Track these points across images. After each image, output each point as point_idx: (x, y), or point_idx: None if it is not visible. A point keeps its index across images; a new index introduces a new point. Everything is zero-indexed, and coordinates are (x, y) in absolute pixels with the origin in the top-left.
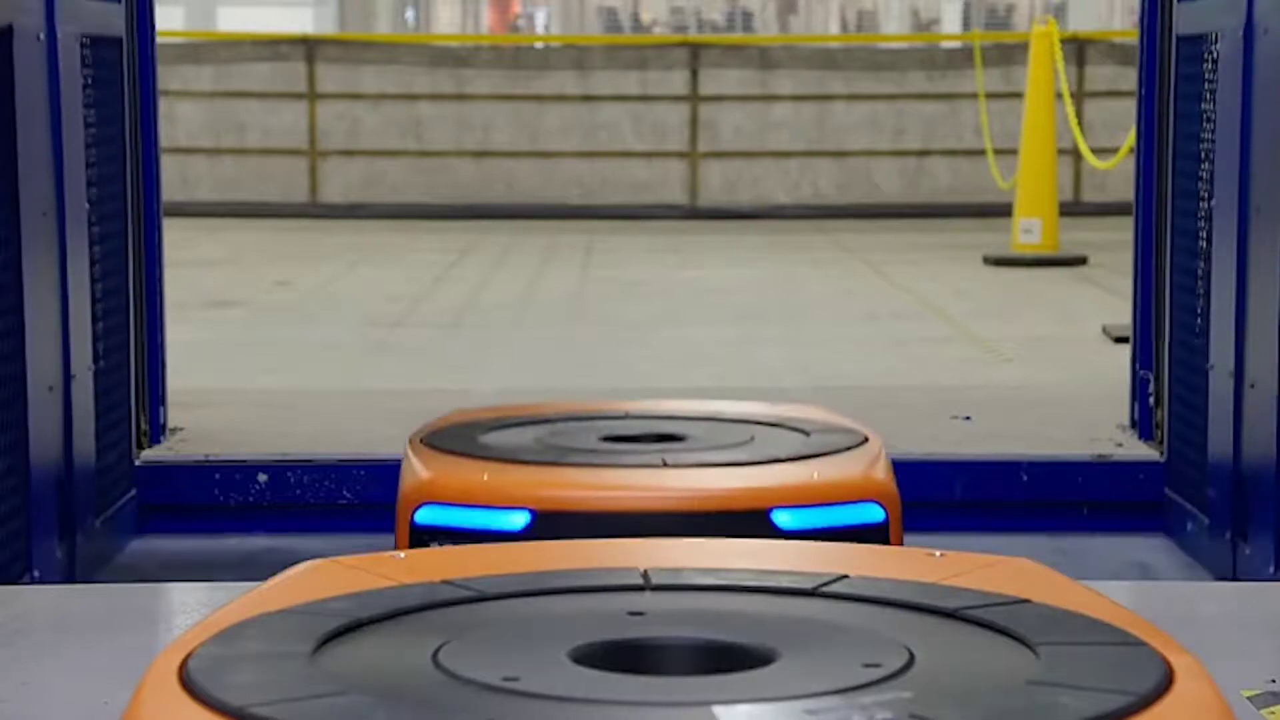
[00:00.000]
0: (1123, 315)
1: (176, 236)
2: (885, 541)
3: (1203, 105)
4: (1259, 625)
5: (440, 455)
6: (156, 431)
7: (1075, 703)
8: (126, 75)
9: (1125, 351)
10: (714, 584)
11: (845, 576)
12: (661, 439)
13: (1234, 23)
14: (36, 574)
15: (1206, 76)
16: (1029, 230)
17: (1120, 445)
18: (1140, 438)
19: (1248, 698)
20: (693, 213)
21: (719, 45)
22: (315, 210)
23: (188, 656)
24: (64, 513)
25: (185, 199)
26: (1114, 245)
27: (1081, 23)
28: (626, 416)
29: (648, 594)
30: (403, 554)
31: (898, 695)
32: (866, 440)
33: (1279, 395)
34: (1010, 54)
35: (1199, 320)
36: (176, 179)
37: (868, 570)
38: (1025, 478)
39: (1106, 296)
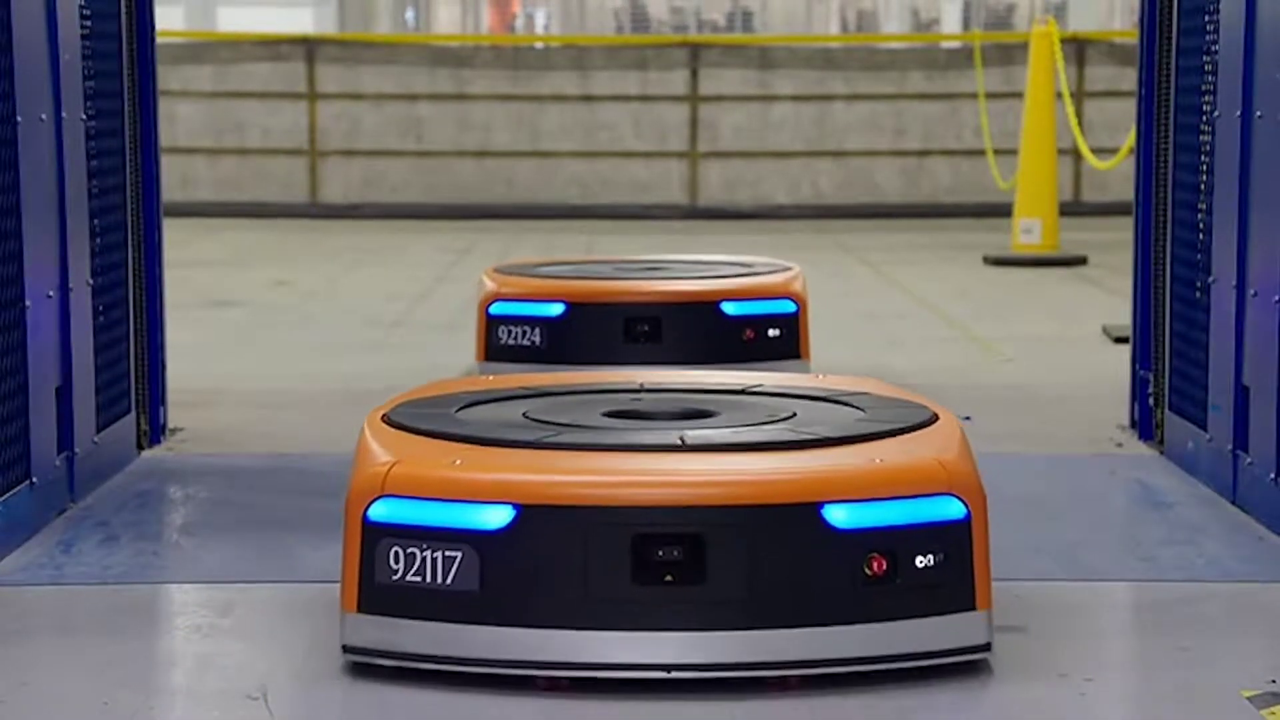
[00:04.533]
0: (1123, 315)
1: (176, 236)
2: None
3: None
4: (1259, 625)
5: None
6: (156, 431)
7: (880, 426)
8: (126, 75)
9: (1125, 351)
10: (683, 388)
11: (762, 385)
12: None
13: None
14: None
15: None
16: (1029, 230)
17: (1120, 445)
18: (1140, 438)
19: (1248, 698)
20: (693, 213)
21: (719, 45)
22: (315, 210)
23: (385, 413)
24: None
25: (185, 199)
26: (1114, 245)
27: (1081, 23)
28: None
29: (644, 393)
30: (490, 377)
31: (785, 425)
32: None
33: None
34: (1010, 54)
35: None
36: (176, 179)
37: (778, 383)
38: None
39: (1106, 296)
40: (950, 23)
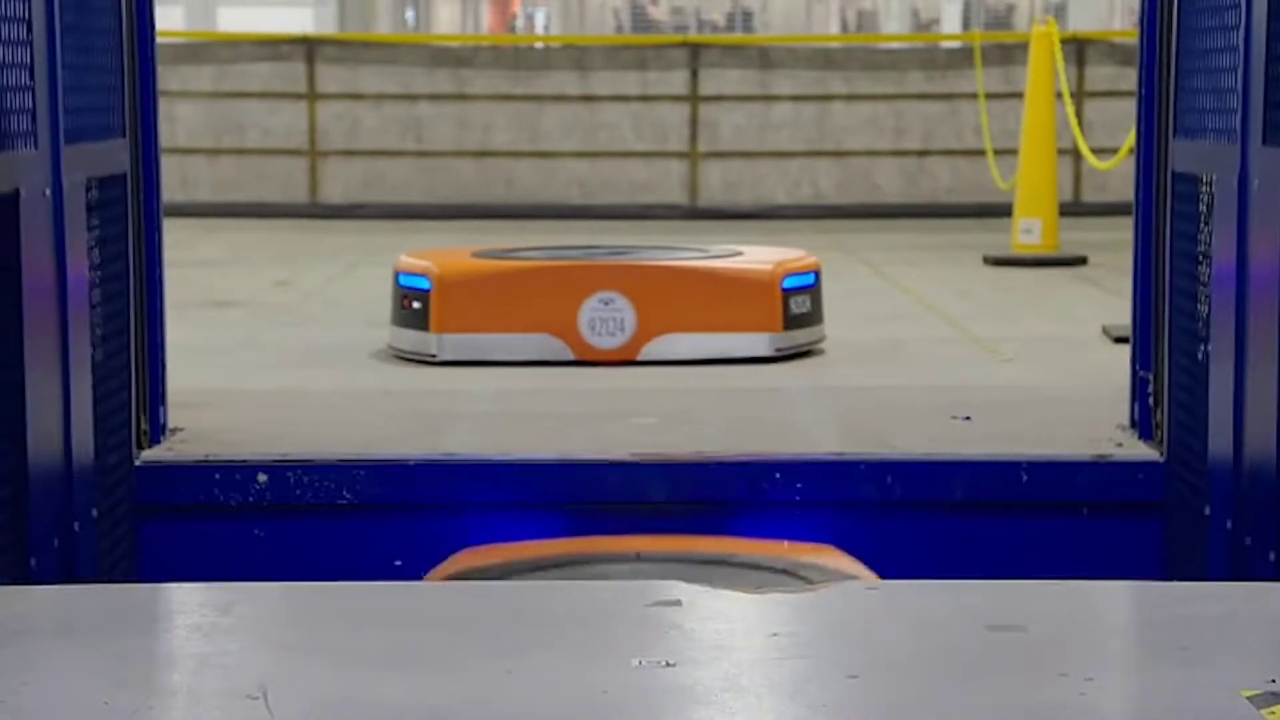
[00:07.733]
0: (1123, 315)
1: (176, 236)
2: None
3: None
4: (1259, 625)
5: None
6: (156, 431)
7: None
8: (127, 79)
9: (1125, 351)
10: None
11: None
12: None
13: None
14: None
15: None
16: (1029, 230)
17: (1120, 445)
18: (1140, 438)
19: (1248, 698)
20: (693, 213)
21: (719, 45)
22: (315, 210)
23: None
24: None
25: (185, 199)
26: (1114, 245)
27: (1081, 23)
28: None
29: (641, 564)
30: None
31: None
32: None
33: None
34: (1010, 54)
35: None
36: (176, 179)
37: None
38: (1025, 478)
39: (1106, 296)
40: (950, 23)
